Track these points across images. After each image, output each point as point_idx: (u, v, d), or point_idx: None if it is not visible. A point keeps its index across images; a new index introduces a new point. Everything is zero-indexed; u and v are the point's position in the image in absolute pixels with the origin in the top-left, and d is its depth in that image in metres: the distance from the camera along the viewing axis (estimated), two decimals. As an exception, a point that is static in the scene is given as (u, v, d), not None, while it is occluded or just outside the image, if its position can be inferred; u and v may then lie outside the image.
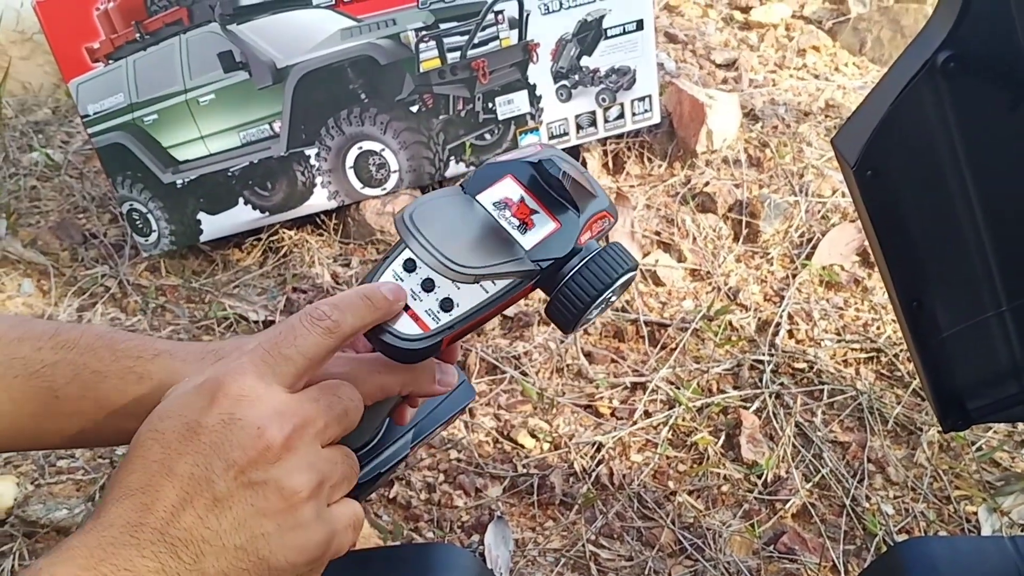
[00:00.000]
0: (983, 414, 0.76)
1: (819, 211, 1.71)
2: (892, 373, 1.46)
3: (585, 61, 1.72)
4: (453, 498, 1.31)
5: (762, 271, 1.64)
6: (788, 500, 1.29)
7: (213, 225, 1.72)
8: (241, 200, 1.71)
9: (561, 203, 0.51)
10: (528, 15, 1.65)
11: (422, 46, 1.62)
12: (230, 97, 1.61)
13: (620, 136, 1.85)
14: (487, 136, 1.75)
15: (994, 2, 0.57)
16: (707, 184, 1.75)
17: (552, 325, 1.52)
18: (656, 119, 1.81)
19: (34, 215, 1.87)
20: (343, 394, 0.48)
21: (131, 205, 1.67)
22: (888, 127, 0.61)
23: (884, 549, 1.23)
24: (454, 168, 1.76)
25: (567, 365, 1.49)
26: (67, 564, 0.41)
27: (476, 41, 1.65)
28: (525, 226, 0.50)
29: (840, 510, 1.28)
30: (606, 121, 1.79)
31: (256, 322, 1.62)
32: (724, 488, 1.32)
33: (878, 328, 1.52)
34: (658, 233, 1.70)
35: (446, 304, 0.49)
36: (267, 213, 1.73)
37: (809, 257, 1.64)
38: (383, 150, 1.70)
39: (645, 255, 1.67)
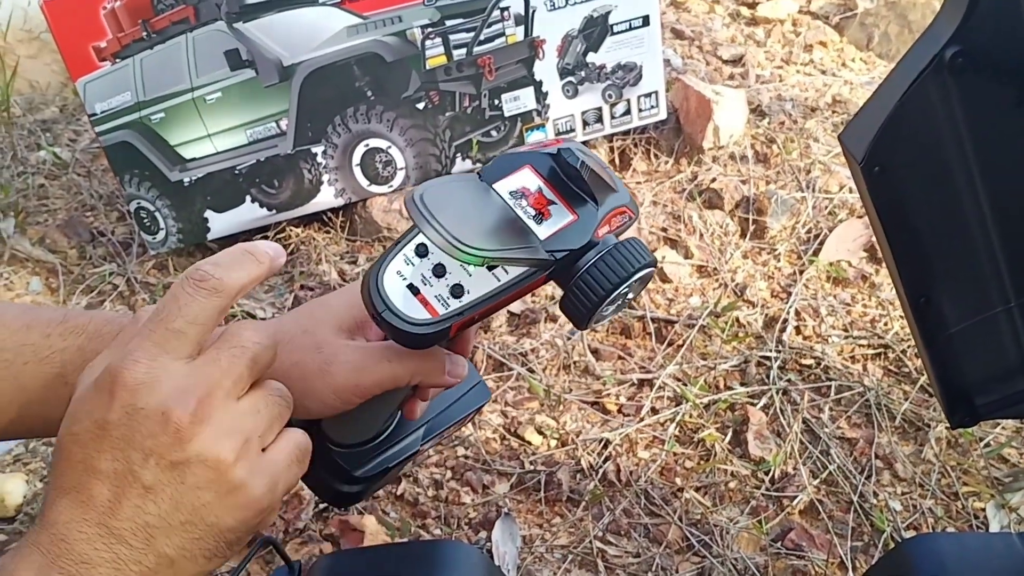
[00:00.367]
0: (991, 410, 0.75)
1: (826, 207, 1.70)
2: (900, 369, 1.46)
3: (591, 57, 1.72)
4: (460, 495, 1.31)
5: (769, 267, 1.64)
6: (795, 496, 1.29)
7: (220, 223, 1.72)
8: (248, 198, 1.71)
9: (580, 196, 0.50)
10: (534, 11, 1.64)
11: (428, 43, 1.63)
12: (237, 95, 1.61)
13: (627, 132, 1.84)
14: (493, 133, 1.75)
15: (1002, -3, 0.57)
16: (714, 180, 1.75)
17: (559, 321, 1.53)
18: (662, 115, 1.81)
19: (42, 213, 1.88)
20: (245, 340, 0.46)
21: (139, 203, 1.68)
22: (895, 123, 0.61)
23: (892, 545, 1.22)
24: (460, 165, 1.76)
25: (574, 362, 1.49)
26: (26, 563, 0.42)
27: (482, 38, 1.65)
28: (541, 216, 0.49)
29: (848, 506, 1.28)
30: (612, 117, 1.79)
31: (264, 319, 1.63)
32: (731, 484, 1.32)
33: (886, 324, 1.52)
34: (665, 230, 1.70)
35: (456, 290, 0.49)
36: (274, 211, 1.73)
37: (816, 253, 1.64)
38: (389, 147, 1.70)
39: (652, 252, 1.67)
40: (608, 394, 1.44)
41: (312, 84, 1.62)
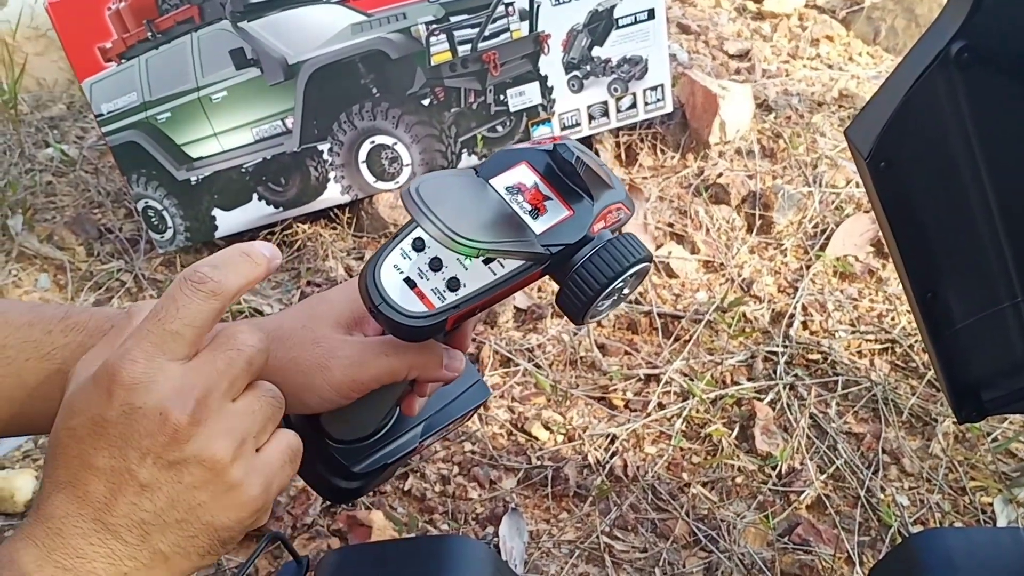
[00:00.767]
0: (998, 405, 0.75)
1: (833, 202, 1.70)
2: (907, 364, 1.45)
3: (597, 51, 1.71)
4: (467, 490, 1.32)
5: (776, 262, 1.64)
6: (803, 491, 1.29)
7: (228, 221, 1.73)
8: (255, 196, 1.71)
9: (576, 192, 0.51)
10: (539, 6, 1.64)
11: (433, 39, 1.62)
12: (242, 94, 1.61)
13: (633, 127, 1.84)
14: (499, 128, 1.75)
15: (1008, -9, 0.57)
16: (720, 175, 1.75)
17: (565, 317, 1.53)
18: (668, 108, 1.81)
19: (50, 210, 1.89)
20: (241, 343, 0.46)
21: (146, 203, 1.68)
22: (901, 118, 0.61)
23: (899, 540, 1.22)
24: (466, 161, 1.76)
25: (580, 357, 1.49)
26: (21, 556, 0.42)
27: (487, 33, 1.65)
28: (537, 211, 0.50)
29: (855, 501, 1.28)
30: (618, 111, 1.79)
31: (271, 316, 1.63)
32: (738, 480, 1.32)
33: (892, 319, 1.52)
34: (671, 225, 1.70)
35: (453, 283, 0.49)
36: (281, 208, 1.74)
37: (823, 248, 1.63)
38: (395, 144, 1.70)
39: (658, 247, 1.67)
40: (615, 389, 1.44)
41: (317, 82, 1.62)
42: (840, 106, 1.92)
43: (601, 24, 1.69)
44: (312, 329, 0.54)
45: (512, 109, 1.73)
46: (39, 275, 1.74)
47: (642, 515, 1.28)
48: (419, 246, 0.50)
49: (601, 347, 1.51)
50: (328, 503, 1.30)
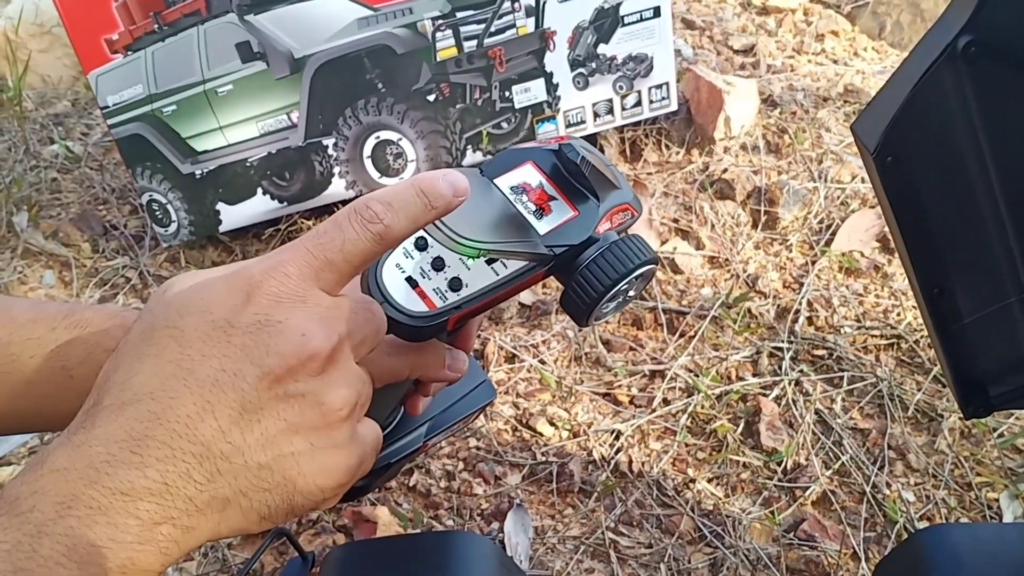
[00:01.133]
0: (1005, 401, 0.75)
1: (838, 197, 1.70)
2: (912, 359, 1.45)
3: (602, 49, 1.71)
4: (473, 486, 1.32)
5: (781, 258, 1.64)
6: (808, 487, 1.28)
7: (232, 215, 1.73)
8: (260, 190, 1.71)
9: (582, 192, 0.50)
10: (545, 3, 1.64)
11: (439, 35, 1.62)
12: (248, 87, 1.61)
13: (638, 124, 1.84)
14: (504, 125, 1.75)
15: (1016, -15, 0.57)
16: (725, 171, 1.75)
17: (570, 313, 1.53)
18: (673, 106, 1.80)
19: (55, 207, 1.89)
20: (375, 312, 0.44)
21: (151, 196, 1.68)
22: (908, 113, 0.60)
23: (905, 536, 1.22)
24: (471, 157, 1.76)
25: (585, 353, 1.49)
26: (56, 485, 0.36)
27: (493, 29, 1.64)
28: (542, 212, 0.50)
29: (860, 497, 1.28)
30: (623, 109, 1.78)
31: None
32: (743, 475, 1.31)
33: (898, 314, 1.51)
34: (676, 220, 1.70)
35: (455, 284, 0.48)
36: (285, 203, 1.74)
37: (828, 243, 1.63)
38: (400, 139, 1.70)
39: (663, 242, 1.67)
40: (620, 385, 1.44)
41: (323, 76, 1.62)
42: (845, 101, 1.91)
43: (607, 21, 1.69)
44: None
45: (517, 106, 1.73)
46: (44, 272, 1.75)
47: (647, 511, 1.28)
48: (422, 245, 0.49)
49: (606, 343, 1.51)
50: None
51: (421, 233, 0.50)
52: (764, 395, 1.40)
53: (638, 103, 1.78)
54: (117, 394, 0.38)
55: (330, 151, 1.70)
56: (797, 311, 1.52)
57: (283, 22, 1.57)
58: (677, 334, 1.51)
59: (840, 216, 1.66)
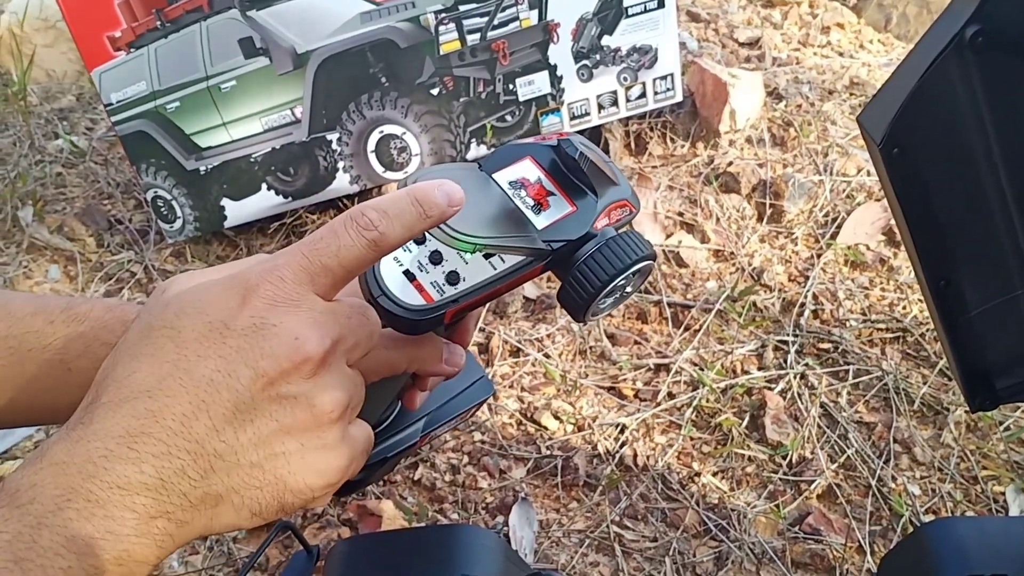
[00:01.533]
0: (1011, 393, 0.75)
1: (844, 190, 1.69)
2: (918, 353, 1.45)
3: (606, 40, 1.71)
4: (477, 480, 1.32)
5: (786, 251, 1.63)
6: (813, 481, 1.28)
7: (237, 211, 1.73)
8: (264, 186, 1.71)
9: (580, 188, 0.50)
10: (548, -5, 1.64)
11: (442, 28, 1.62)
12: (251, 83, 1.61)
13: (642, 116, 1.84)
14: (508, 118, 1.74)
15: (1023, -26, 0.56)
16: (730, 164, 1.74)
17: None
18: (678, 97, 1.80)
19: (60, 202, 1.89)
20: (369, 317, 0.44)
21: (155, 192, 1.68)
22: (915, 104, 0.60)
23: (910, 530, 1.22)
24: (475, 150, 1.76)
25: (590, 347, 1.49)
26: (55, 478, 0.37)
27: (496, 22, 1.64)
28: (540, 207, 0.50)
29: (866, 491, 1.28)
30: (628, 100, 1.78)
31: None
32: (749, 469, 1.31)
33: (904, 308, 1.51)
34: (681, 214, 1.69)
35: (452, 277, 0.49)
36: (290, 198, 1.74)
37: (834, 237, 1.63)
38: (404, 133, 1.70)
39: (668, 236, 1.66)
40: (624, 379, 1.44)
41: (326, 71, 1.62)
42: (851, 94, 1.91)
43: (611, 13, 1.68)
44: None
45: (521, 98, 1.73)
46: (49, 266, 1.75)
47: (652, 504, 1.28)
48: (419, 239, 0.50)
49: (611, 337, 1.50)
50: (338, 492, 1.30)
51: None
52: (769, 389, 1.40)
53: (643, 94, 1.78)
54: (115, 391, 0.39)
55: (334, 146, 1.69)
56: (802, 304, 1.52)
57: (286, 17, 1.57)
58: (682, 328, 1.51)
59: (846, 209, 1.66)
